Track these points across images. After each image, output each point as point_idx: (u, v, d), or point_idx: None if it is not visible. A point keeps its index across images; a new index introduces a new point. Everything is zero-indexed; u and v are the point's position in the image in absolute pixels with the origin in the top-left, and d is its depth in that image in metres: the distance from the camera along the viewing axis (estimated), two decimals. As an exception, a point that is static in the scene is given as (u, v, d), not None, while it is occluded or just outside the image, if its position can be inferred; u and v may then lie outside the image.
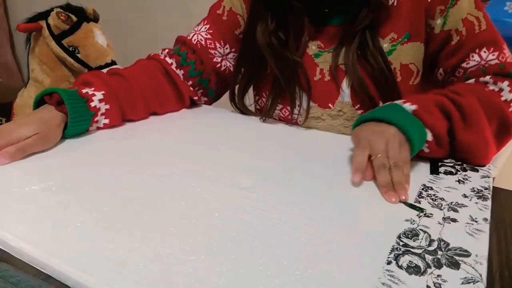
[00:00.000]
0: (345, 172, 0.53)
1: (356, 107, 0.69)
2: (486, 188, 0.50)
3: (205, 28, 0.78)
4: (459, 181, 0.52)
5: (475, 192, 0.49)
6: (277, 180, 0.51)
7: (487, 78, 0.60)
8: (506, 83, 0.58)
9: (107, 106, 0.65)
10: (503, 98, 0.57)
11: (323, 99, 0.71)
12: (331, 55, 0.70)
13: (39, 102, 0.62)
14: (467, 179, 0.53)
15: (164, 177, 0.51)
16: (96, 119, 0.64)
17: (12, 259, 0.37)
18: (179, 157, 0.57)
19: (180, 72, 0.77)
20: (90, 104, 0.63)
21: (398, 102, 0.57)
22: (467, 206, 0.46)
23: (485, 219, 0.44)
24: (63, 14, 1.28)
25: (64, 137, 0.61)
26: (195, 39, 0.78)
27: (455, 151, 0.58)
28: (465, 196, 0.48)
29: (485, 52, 0.61)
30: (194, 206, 0.44)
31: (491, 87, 0.59)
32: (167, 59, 0.77)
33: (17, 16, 1.33)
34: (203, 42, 0.77)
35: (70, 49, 1.29)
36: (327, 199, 0.47)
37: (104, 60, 1.31)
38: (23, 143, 0.54)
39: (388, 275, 0.34)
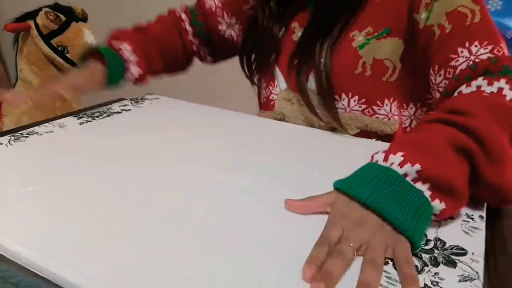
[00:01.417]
0: (345, 172, 0.52)
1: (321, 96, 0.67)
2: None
3: None
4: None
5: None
6: (276, 180, 0.50)
7: (480, 79, 0.49)
8: (503, 81, 0.47)
9: (137, 58, 0.77)
10: (507, 98, 0.46)
11: (292, 83, 0.71)
12: None
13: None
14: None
15: (162, 178, 0.50)
16: (127, 66, 0.76)
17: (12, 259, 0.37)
18: (177, 158, 0.56)
19: (190, 29, 0.85)
20: (123, 56, 0.75)
21: (392, 160, 0.40)
22: (462, 203, 0.46)
23: (481, 217, 0.43)
24: (51, 14, 1.27)
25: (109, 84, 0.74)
26: (208, 4, 0.84)
27: (476, 191, 0.43)
28: (460, 193, 0.48)
29: (476, 46, 0.53)
30: (192, 208, 0.44)
31: (488, 89, 0.48)
32: (183, 15, 0.86)
33: (4, 16, 1.31)
34: (213, 9, 0.83)
35: (59, 48, 1.28)
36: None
37: (94, 60, 1.30)
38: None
39: (385, 276, 0.34)
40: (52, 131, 0.64)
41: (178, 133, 0.66)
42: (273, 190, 0.48)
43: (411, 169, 0.39)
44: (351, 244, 0.36)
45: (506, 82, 0.47)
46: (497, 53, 0.52)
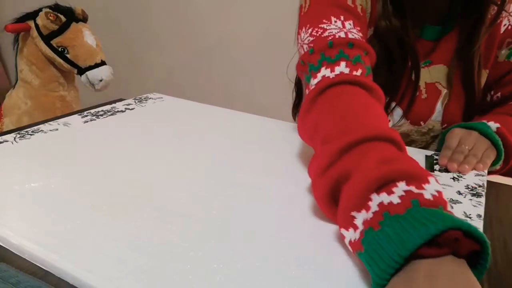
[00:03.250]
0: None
1: (443, 126, 0.70)
2: (480, 186, 0.50)
3: (350, 24, 0.59)
4: (453, 178, 0.52)
5: (469, 189, 0.49)
6: (276, 177, 0.50)
7: None
8: None
9: None
10: None
11: (417, 116, 0.69)
12: (423, 70, 0.67)
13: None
14: (461, 177, 0.53)
15: (164, 176, 0.50)
16: None
17: (11, 259, 0.37)
18: (179, 156, 0.56)
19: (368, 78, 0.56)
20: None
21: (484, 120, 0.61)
22: (461, 202, 0.46)
23: (479, 216, 0.43)
24: (51, 14, 1.26)
25: None
26: (352, 35, 0.57)
27: None
28: (459, 193, 0.48)
29: None
30: (193, 204, 0.44)
31: None
32: (354, 72, 0.53)
33: (4, 17, 1.30)
34: (360, 39, 0.59)
35: (59, 49, 1.27)
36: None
37: (94, 60, 1.29)
38: None
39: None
40: (57, 129, 0.64)
41: (180, 132, 0.65)
42: (274, 187, 0.48)
43: (493, 125, 0.59)
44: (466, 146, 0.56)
45: None
46: None
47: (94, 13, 1.41)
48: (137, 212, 0.42)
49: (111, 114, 0.72)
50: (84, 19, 1.36)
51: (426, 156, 0.58)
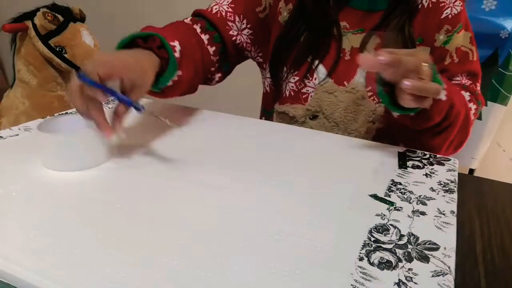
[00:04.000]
0: (318, 170, 0.52)
1: (368, 89, 0.70)
2: (452, 182, 0.50)
3: (227, 1, 0.75)
4: (426, 174, 0.52)
5: (441, 185, 0.49)
6: (255, 180, 0.49)
7: (467, 94, 0.66)
8: (474, 106, 0.66)
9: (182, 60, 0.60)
10: (471, 111, 0.65)
11: (340, 77, 0.71)
12: (356, 36, 0.70)
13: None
14: (434, 173, 0.52)
15: (135, 178, 0.47)
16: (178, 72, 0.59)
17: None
18: (154, 158, 0.53)
19: (205, 37, 0.71)
20: (175, 54, 0.58)
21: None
22: (435, 199, 0.46)
23: (452, 212, 0.43)
24: (49, 14, 1.24)
25: (155, 87, 0.57)
26: (215, 9, 0.74)
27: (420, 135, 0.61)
28: (432, 189, 0.48)
29: (466, 78, 0.70)
30: (172, 209, 0.42)
31: (469, 105, 0.65)
32: (195, 26, 0.71)
33: (2, 17, 1.28)
34: (223, 14, 0.73)
35: (57, 49, 1.25)
36: (299, 197, 0.45)
37: (91, 60, 1.27)
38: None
39: (360, 272, 0.34)
40: (17, 135, 0.59)
41: (157, 135, 0.62)
42: (250, 190, 0.46)
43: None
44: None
45: (475, 109, 0.67)
46: (475, 88, 0.70)
47: (92, 13, 1.39)
48: (108, 218, 0.39)
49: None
50: (82, 19, 1.34)
51: (399, 153, 0.57)
